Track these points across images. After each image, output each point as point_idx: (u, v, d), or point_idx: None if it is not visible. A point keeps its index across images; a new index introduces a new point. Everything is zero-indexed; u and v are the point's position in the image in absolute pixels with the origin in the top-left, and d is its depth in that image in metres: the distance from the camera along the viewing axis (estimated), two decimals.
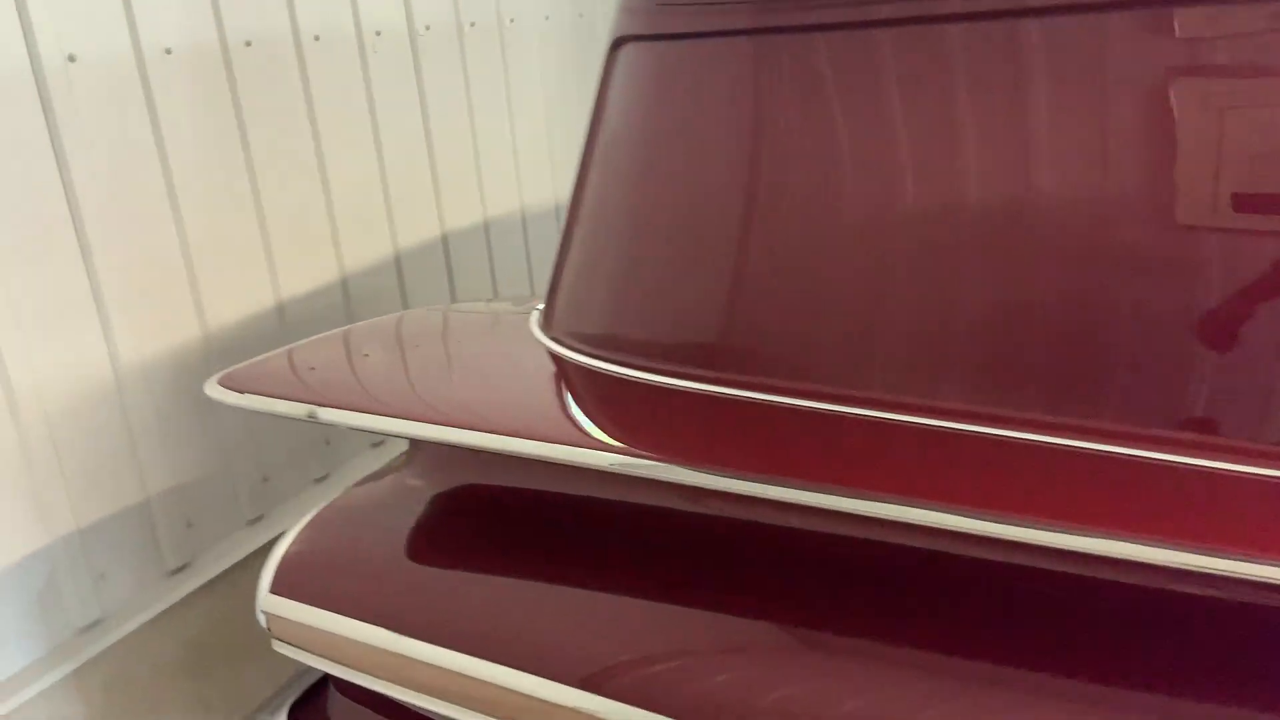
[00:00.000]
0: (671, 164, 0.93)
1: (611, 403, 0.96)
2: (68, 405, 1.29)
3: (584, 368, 0.99)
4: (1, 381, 1.22)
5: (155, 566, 1.42)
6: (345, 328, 1.17)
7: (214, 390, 0.98)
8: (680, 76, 0.92)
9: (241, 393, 0.96)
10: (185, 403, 1.45)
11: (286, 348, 1.09)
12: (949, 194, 0.84)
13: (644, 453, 0.83)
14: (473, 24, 2.05)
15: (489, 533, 1.00)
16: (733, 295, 0.93)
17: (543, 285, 2.31)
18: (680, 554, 0.88)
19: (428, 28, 1.92)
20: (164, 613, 1.38)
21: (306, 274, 1.66)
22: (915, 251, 0.86)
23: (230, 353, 1.52)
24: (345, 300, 1.74)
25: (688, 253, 0.95)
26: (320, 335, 1.13)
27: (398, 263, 1.87)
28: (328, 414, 0.91)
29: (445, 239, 1.99)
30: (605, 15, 2.55)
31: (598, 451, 0.84)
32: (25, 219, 1.24)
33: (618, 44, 0.96)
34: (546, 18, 2.31)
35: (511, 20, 2.18)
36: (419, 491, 1.09)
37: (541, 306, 1.12)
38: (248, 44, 1.54)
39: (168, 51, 1.41)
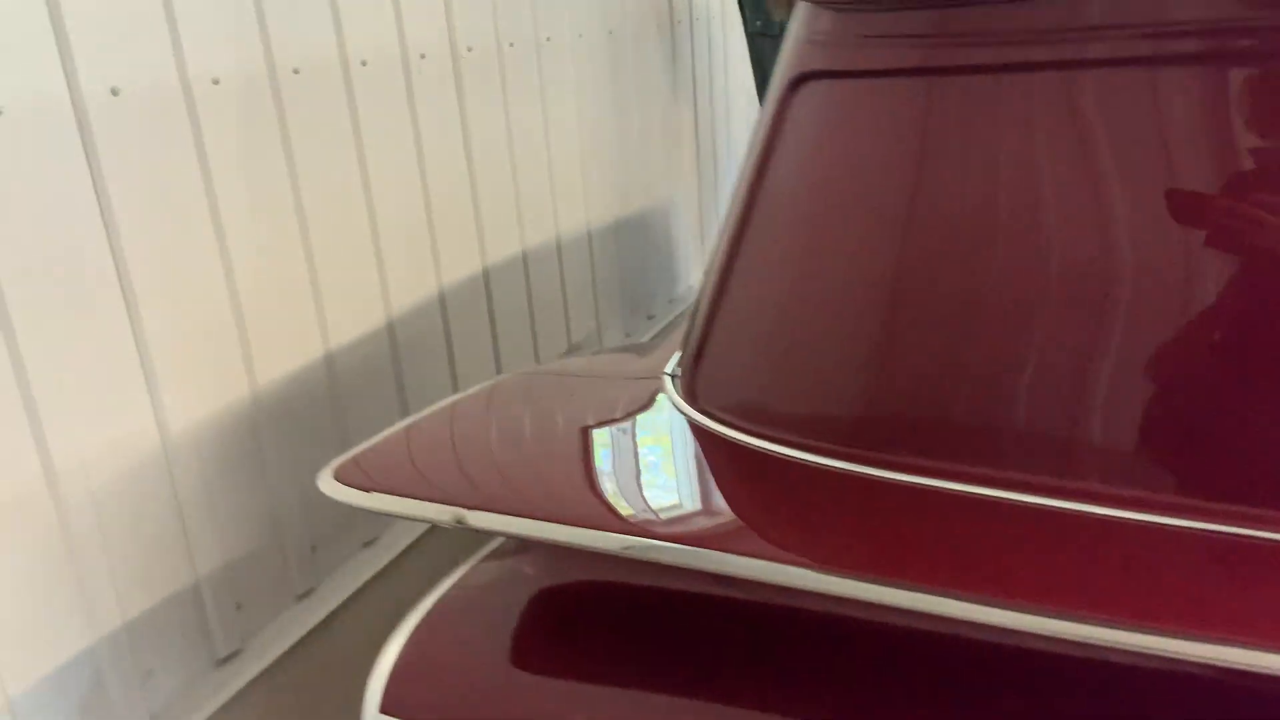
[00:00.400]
0: (868, 219, 0.81)
1: (780, 496, 0.84)
2: (113, 482, 1.15)
3: (744, 449, 0.86)
4: (43, 462, 1.07)
5: (205, 656, 1.27)
6: (459, 397, 1.03)
7: (331, 487, 0.84)
8: (882, 121, 0.80)
9: (367, 491, 0.82)
10: (234, 470, 1.31)
11: (402, 425, 0.95)
12: (1164, 265, 0.74)
13: (834, 568, 0.71)
14: (511, 44, 1.92)
15: (623, 635, 0.87)
16: (933, 368, 0.81)
17: (580, 321, 2.19)
18: (838, 665, 0.76)
19: (470, 49, 1.79)
20: (217, 712, 1.24)
21: (354, 319, 1.52)
22: (1129, 328, 0.75)
23: (279, 412, 1.38)
24: (392, 345, 1.61)
25: (880, 317, 0.82)
26: (435, 408, 0.99)
27: (442, 301, 1.73)
28: (479, 519, 0.77)
29: (486, 273, 1.86)
30: (635, 32, 2.44)
31: (781, 566, 0.72)
32: (68, 275, 1.10)
33: (798, 81, 0.83)
34: (580, 35, 2.19)
35: (548, 39, 2.05)
36: (536, 582, 0.96)
37: (672, 372, 0.99)
38: (296, 71, 1.40)
39: (215, 82, 1.27)
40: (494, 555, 1.00)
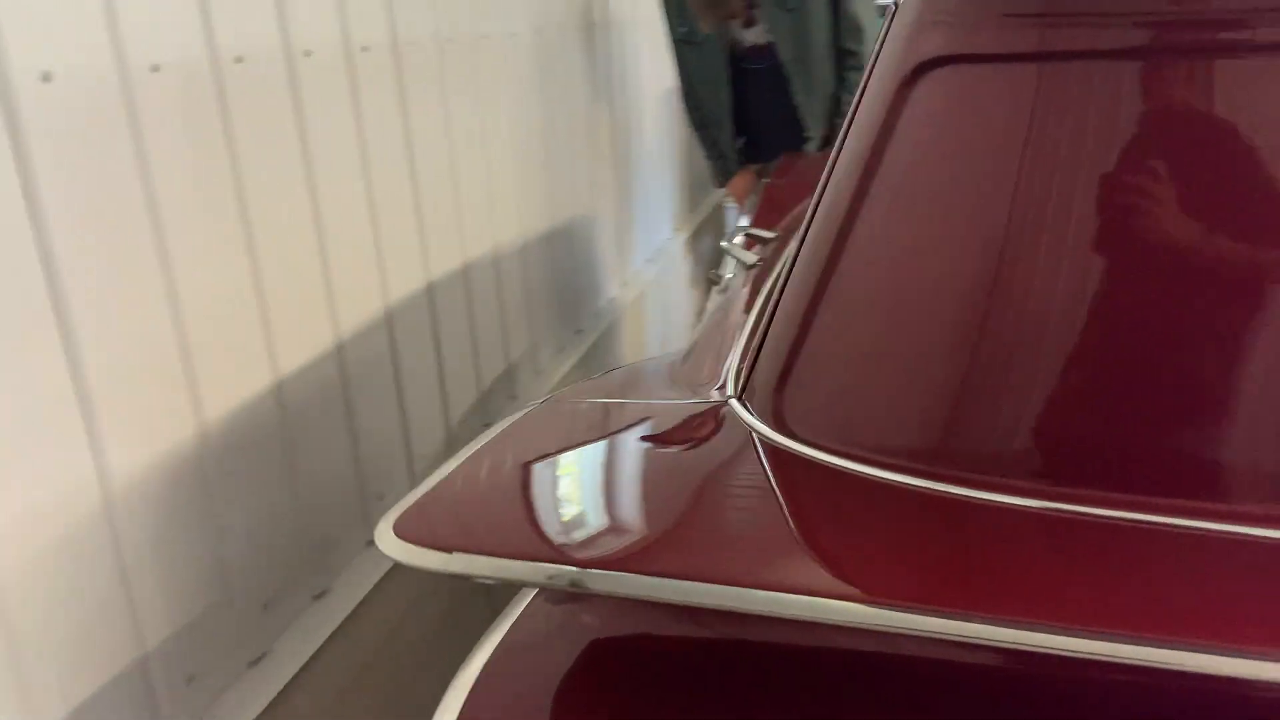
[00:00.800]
0: (1009, 226, 0.72)
1: (914, 531, 0.73)
2: (52, 546, 0.95)
3: (864, 481, 0.75)
4: None
5: None
6: (501, 431, 0.88)
7: (396, 548, 0.68)
8: (1028, 113, 0.70)
9: (448, 551, 0.67)
10: (181, 520, 1.12)
11: (453, 466, 0.80)
12: None
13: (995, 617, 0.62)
14: (450, 39, 1.77)
15: (695, 695, 0.75)
16: (1081, 388, 0.72)
17: (517, 337, 2.04)
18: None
19: (410, 43, 1.63)
20: None
21: (303, 343, 1.35)
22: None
23: (227, 449, 1.19)
24: (340, 371, 1.43)
25: (1026, 331, 0.73)
26: (482, 444, 0.84)
27: (389, 320, 1.56)
28: (600, 580, 0.64)
29: (431, 288, 1.70)
30: (559, 31, 2.31)
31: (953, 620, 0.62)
32: None
33: (923, 68, 0.73)
34: (512, 34, 2.05)
35: (484, 35, 1.91)
36: (596, 634, 0.83)
37: (737, 394, 0.87)
38: (239, 60, 1.22)
39: (155, 69, 1.09)
40: (543, 597, 0.86)
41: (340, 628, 1.35)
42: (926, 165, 0.74)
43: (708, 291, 1.42)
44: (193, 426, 1.14)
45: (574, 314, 2.43)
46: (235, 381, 1.22)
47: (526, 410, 0.94)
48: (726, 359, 1.10)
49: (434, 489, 0.76)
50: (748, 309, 1.31)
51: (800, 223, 1.64)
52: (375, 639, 1.43)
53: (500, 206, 1.98)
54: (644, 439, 0.87)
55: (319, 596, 1.39)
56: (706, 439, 0.84)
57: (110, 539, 1.02)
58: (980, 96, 0.72)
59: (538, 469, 0.83)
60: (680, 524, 0.72)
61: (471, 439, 1.85)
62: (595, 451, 0.86)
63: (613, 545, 0.70)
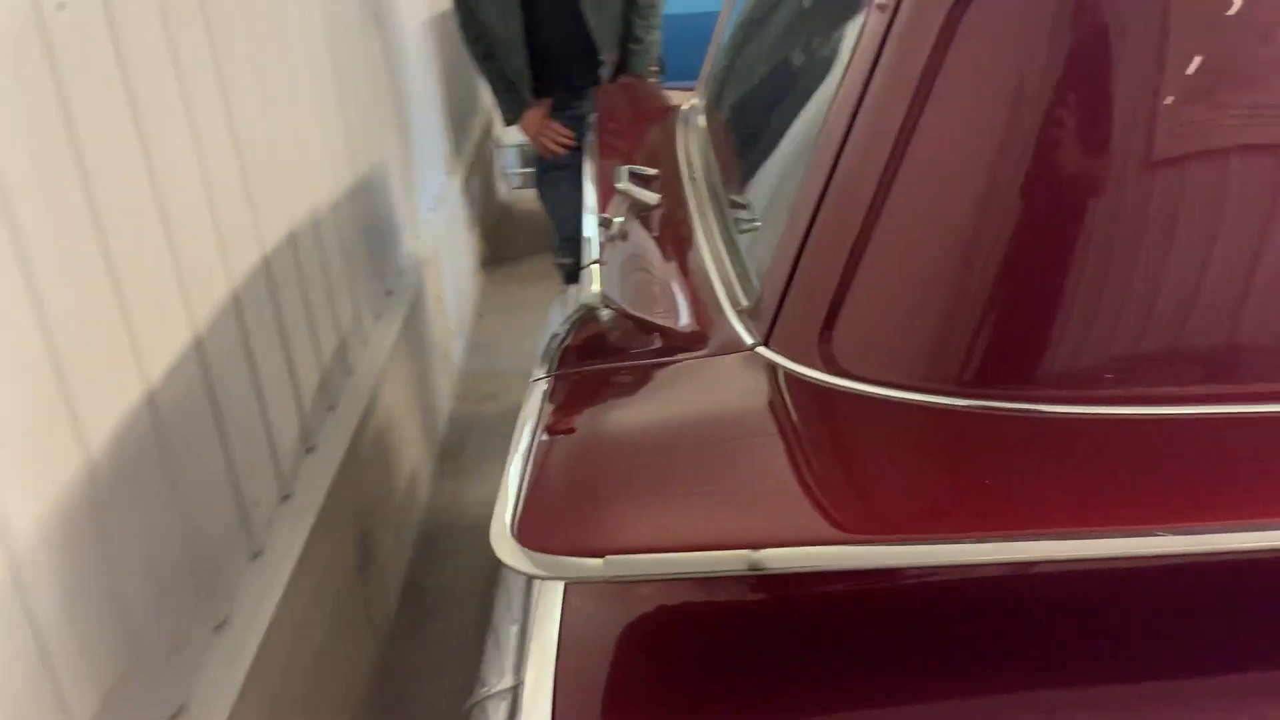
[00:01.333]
0: (1073, 145, 0.70)
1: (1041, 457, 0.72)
2: None
3: (948, 412, 0.73)
4: None
5: None
6: (543, 412, 0.77)
7: (530, 562, 0.60)
8: (1095, 30, 0.68)
9: (599, 556, 0.59)
10: (84, 572, 0.93)
11: (524, 456, 0.69)
12: None
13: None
14: None
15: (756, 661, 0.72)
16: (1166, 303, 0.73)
17: (342, 307, 1.85)
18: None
19: None
20: None
21: (164, 338, 1.15)
22: None
23: (114, 480, 1.00)
24: (202, 367, 1.24)
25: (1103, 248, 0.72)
26: (537, 431, 0.74)
27: (236, 302, 1.36)
28: (780, 557, 0.60)
29: (267, 262, 1.50)
30: None
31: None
32: None
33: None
34: None
35: None
36: (657, 602, 0.77)
37: (753, 342, 0.83)
38: (61, 6, 0.99)
39: None
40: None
41: (253, 668, 1.19)
42: (984, 89, 0.71)
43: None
44: (78, 458, 0.94)
45: (382, 273, 2.25)
46: (109, 396, 1.01)
47: (542, 389, 0.84)
48: (689, 308, 1.03)
49: (536, 489, 0.66)
50: (674, 254, 1.24)
51: (667, 159, 1.57)
52: (279, 663, 1.28)
53: (311, 159, 1.77)
54: (696, 407, 0.80)
55: (219, 628, 1.21)
56: (757, 391, 0.79)
57: (23, 613, 0.83)
58: (1039, 14, 0.70)
59: (623, 451, 0.74)
60: (815, 486, 0.67)
61: (321, 427, 1.67)
62: (675, 424, 0.78)
63: (779, 521, 0.64)
